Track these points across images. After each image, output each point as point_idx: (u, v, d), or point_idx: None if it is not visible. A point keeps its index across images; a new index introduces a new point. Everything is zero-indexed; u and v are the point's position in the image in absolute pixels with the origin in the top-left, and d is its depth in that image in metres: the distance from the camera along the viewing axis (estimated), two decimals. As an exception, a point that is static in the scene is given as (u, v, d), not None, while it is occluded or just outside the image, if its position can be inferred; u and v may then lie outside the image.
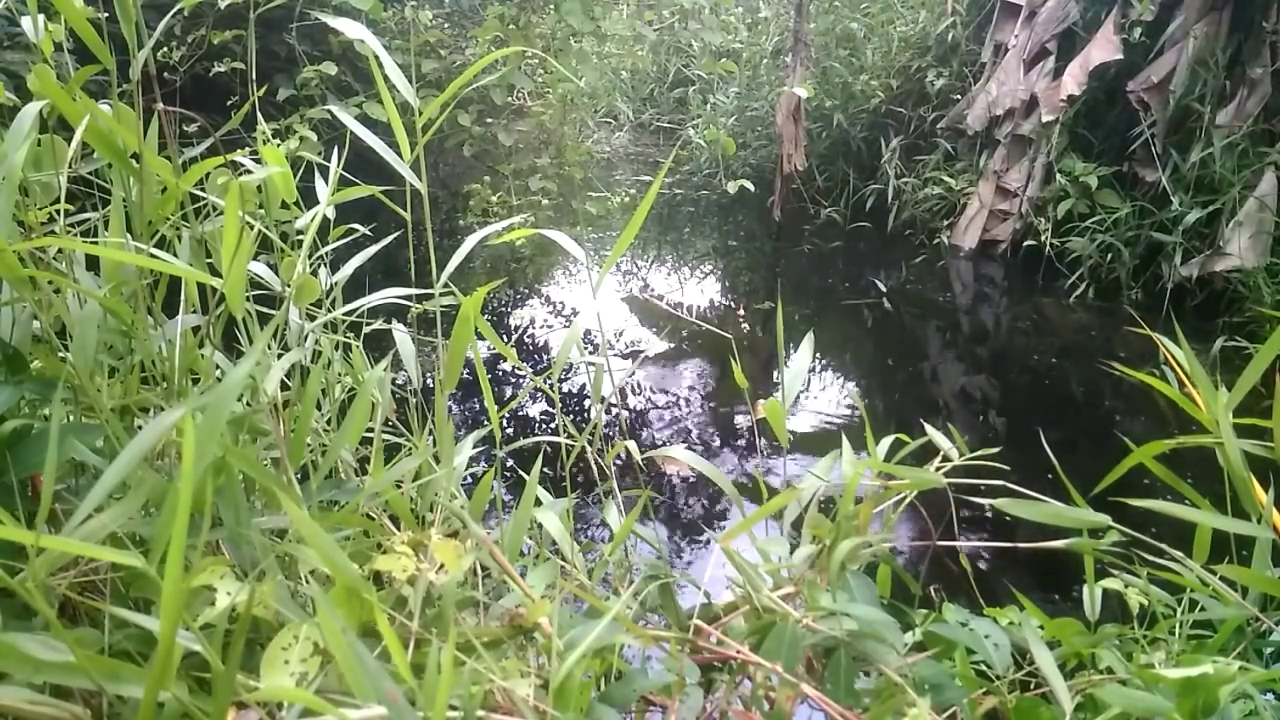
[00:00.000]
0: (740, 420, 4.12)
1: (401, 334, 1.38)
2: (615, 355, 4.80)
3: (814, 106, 7.47)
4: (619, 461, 1.75)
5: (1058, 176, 5.89)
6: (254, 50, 1.58)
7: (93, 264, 1.08)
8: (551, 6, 5.56)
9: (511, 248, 5.79)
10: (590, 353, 1.42)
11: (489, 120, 5.88)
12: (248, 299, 1.11)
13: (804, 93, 6.14)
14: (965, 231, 6.45)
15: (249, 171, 1.14)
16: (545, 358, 4.77)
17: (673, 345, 5.00)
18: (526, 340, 5.03)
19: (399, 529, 1.09)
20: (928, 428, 1.24)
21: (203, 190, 1.20)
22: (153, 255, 1.01)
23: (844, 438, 1.19)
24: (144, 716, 0.60)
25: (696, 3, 5.60)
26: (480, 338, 1.16)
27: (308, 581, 0.95)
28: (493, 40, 5.25)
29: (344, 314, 1.28)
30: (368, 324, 1.52)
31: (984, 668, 0.96)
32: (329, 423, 1.40)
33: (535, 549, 1.29)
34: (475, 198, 5.53)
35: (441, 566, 0.89)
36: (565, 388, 4.31)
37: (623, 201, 6.10)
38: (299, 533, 0.79)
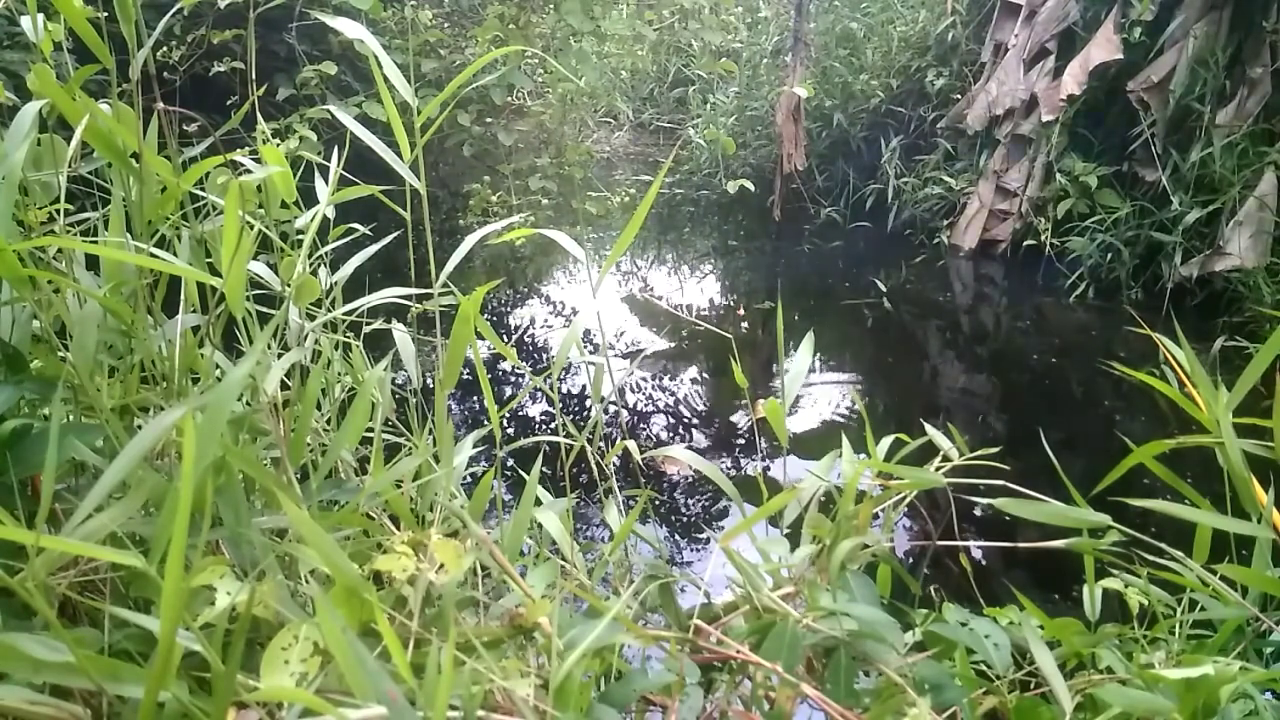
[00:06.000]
0: (740, 420, 4.11)
1: (401, 334, 1.37)
2: (615, 355, 4.80)
3: (814, 106, 7.46)
4: (618, 461, 1.75)
5: (1058, 176, 5.89)
6: (254, 50, 1.58)
7: (93, 264, 1.08)
8: (551, 6, 5.56)
9: (511, 247, 5.79)
10: (590, 352, 1.42)
11: (489, 120, 5.88)
12: (248, 299, 1.11)
13: (804, 92, 6.14)
14: (965, 231, 6.45)
15: (249, 171, 1.14)
16: (545, 357, 4.76)
17: (673, 345, 5.00)
18: (526, 340, 5.03)
19: (399, 529, 1.09)
20: (928, 428, 1.23)
21: (203, 190, 1.20)
22: (153, 255, 1.01)
23: (844, 437, 1.19)
24: (144, 716, 0.60)
25: (696, 2, 5.60)
26: (480, 337, 1.16)
27: (308, 581, 0.94)
28: (492, 40, 5.24)
29: (344, 314, 1.27)
30: (368, 324, 1.51)
31: (984, 668, 0.96)
32: (329, 423, 1.40)
33: (535, 549, 1.29)
34: (475, 197, 5.53)
35: (441, 566, 0.89)
36: (565, 387, 4.31)
37: (623, 201, 6.09)
38: (299, 533, 0.79)
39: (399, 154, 1.17)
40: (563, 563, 1.13)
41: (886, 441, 1.18)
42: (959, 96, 6.95)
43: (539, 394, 4.05)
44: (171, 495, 0.72)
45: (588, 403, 4.16)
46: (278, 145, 1.21)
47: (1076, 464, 1.21)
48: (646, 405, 4.33)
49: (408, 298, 1.33)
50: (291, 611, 0.78)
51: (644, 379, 4.57)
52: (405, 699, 0.60)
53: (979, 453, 1.15)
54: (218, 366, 1.17)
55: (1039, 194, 6.05)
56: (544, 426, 3.92)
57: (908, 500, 1.14)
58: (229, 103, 3.51)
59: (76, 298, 1.04)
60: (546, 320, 5.35)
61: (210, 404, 0.72)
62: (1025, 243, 6.07)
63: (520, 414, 4.02)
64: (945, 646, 1.00)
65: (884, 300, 5.68)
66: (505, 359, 1.54)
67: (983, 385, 4.81)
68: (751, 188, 5.55)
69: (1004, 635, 0.95)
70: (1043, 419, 4.15)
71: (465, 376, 3.93)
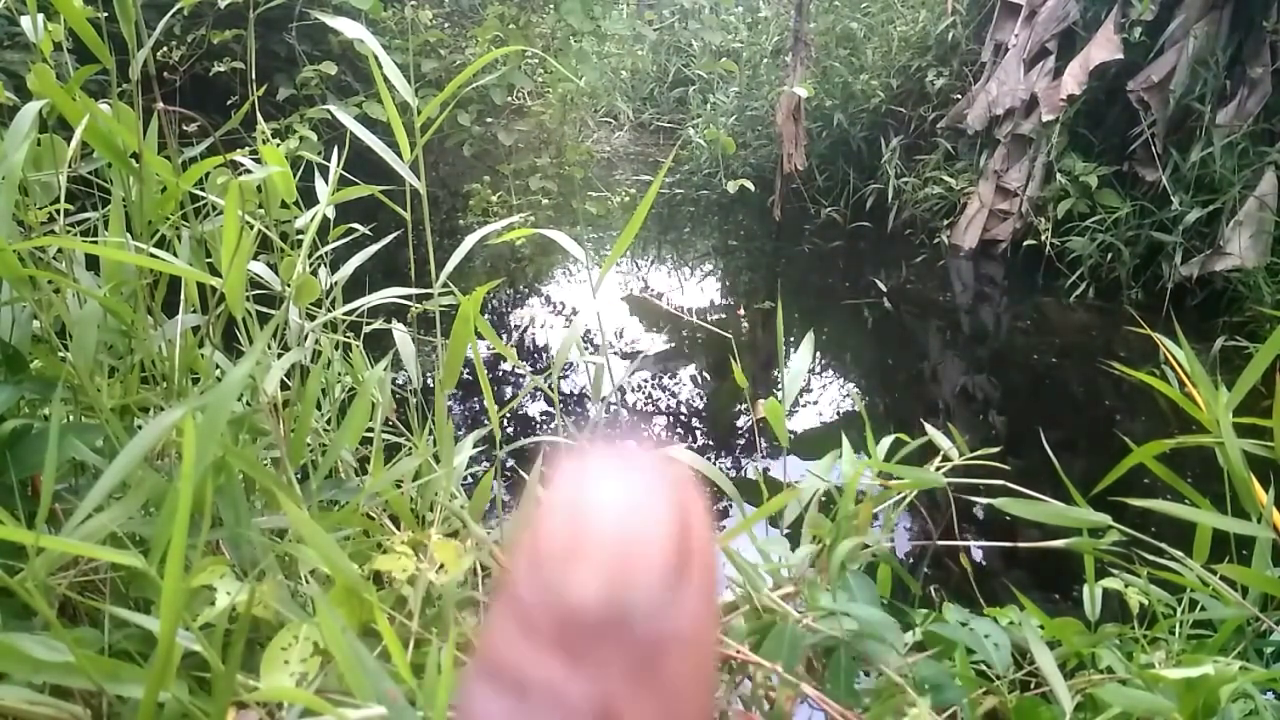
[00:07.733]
0: (740, 420, 4.11)
1: (401, 334, 1.37)
2: (615, 355, 4.80)
3: (814, 106, 7.46)
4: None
5: (1058, 176, 5.89)
6: (254, 50, 1.58)
7: (93, 264, 1.08)
8: (551, 6, 5.56)
9: (511, 247, 5.78)
10: (590, 352, 1.42)
11: (489, 120, 5.88)
12: (248, 299, 1.11)
13: (804, 92, 6.14)
14: (965, 231, 6.45)
15: (249, 171, 1.14)
16: (545, 357, 4.76)
17: (673, 345, 5.00)
18: (526, 340, 5.03)
19: (399, 529, 1.09)
20: (928, 427, 1.23)
21: (203, 190, 1.20)
22: (153, 255, 1.01)
23: (844, 437, 1.19)
24: (144, 716, 0.60)
25: (696, 2, 5.60)
26: (480, 337, 1.16)
27: (308, 581, 0.95)
28: (492, 40, 5.25)
29: (344, 314, 1.27)
30: (368, 324, 1.51)
31: (984, 668, 0.96)
32: (329, 423, 1.40)
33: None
34: (475, 197, 5.53)
35: (441, 566, 0.89)
36: (565, 387, 4.31)
37: (623, 201, 6.09)
38: (299, 533, 0.79)
39: (399, 154, 1.17)
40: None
41: (886, 441, 1.18)
42: (959, 96, 6.95)
43: (539, 394, 4.05)
44: (171, 495, 0.72)
45: (588, 403, 4.15)
46: (278, 145, 1.21)
47: (1076, 464, 1.21)
48: (646, 405, 4.33)
49: (408, 298, 1.33)
50: (291, 611, 0.78)
51: (644, 379, 4.56)
52: (405, 699, 0.60)
53: (979, 453, 1.15)
54: (218, 366, 1.17)
55: (1039, 194, 6.05)
56: (544, 426, 3.91)
57: (908, 500, 1.14)
58: (229, 103, 3.51)
59: (76, 298, 1.04)
60: (546, 320, 5.35)
61: (210, 404, 0.72)
62: (1025, 243, 6.06)
63: (520, 414, 4.02)
64: (945, 646, 1.00)
65: (884, 300, 5.67)
66: (505, 359, 1.54)
67: (983, 385, 4.81)
68: (751, 188, 5.55)
69: (1004, 635, 0.95)
70: (1043, 419, 4.15)
71: (465, 376, 3.93)
